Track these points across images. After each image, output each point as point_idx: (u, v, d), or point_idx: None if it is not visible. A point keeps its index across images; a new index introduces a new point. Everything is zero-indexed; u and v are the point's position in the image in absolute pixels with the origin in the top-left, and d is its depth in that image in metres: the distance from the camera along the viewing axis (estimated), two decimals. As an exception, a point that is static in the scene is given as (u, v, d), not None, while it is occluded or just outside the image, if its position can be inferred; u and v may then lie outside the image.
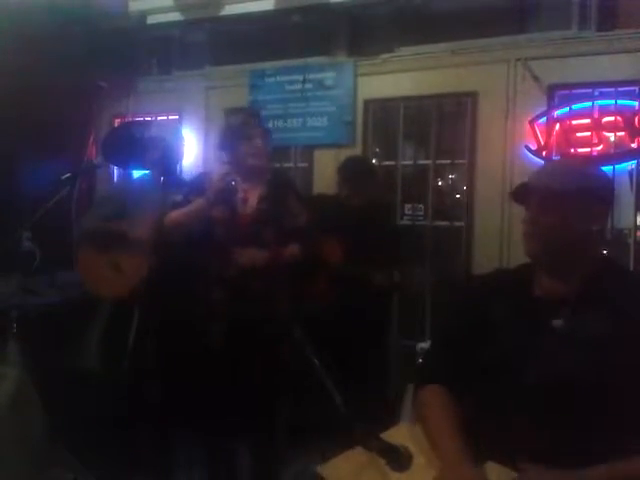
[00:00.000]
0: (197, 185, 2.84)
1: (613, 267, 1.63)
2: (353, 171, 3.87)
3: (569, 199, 1.54)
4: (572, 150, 4.10)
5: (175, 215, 2.73)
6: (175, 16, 5.12)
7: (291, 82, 5.02)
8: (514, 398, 1.49)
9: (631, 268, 3.92)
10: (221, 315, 2.64)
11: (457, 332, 1.72)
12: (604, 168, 3.86)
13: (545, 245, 1.58)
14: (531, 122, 4.20)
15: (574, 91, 4.16)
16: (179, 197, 2.81)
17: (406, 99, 4.73)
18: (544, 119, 4.18)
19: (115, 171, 5.68)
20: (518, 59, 4.28)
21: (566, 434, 1.41)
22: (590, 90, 4.08)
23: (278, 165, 5.11)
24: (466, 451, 1.49)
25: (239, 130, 2.83)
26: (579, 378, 1.44)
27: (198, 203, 2.72)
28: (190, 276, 2.73)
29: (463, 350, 1.64)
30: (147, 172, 3.50)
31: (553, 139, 4.15)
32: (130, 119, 5.52)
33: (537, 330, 1.55)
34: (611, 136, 4.01)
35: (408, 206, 4.76)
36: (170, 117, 5.49)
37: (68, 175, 2.93)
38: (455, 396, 1.64)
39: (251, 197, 2.77)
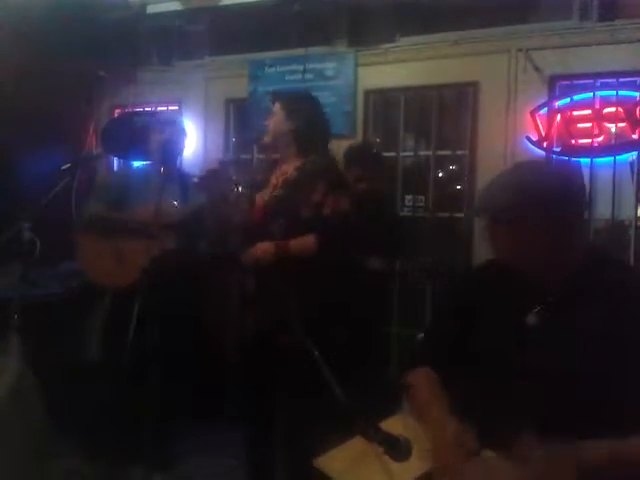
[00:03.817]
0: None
1: (600, 259, 1.60)
2: (358, 156, 3.86)
3: (511, 227, 1.53)
4: (573, 141, 4.09)
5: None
6: (175, 6, 5.10)
7: (291, 72, 5.00)
8: (498, 389, 1.50)
9: (632, 259, 3.93)
10: (222, 309, 2.64)
11: (447, 324, 1.73)
12: (603, 160, 3.96)
13: (505, 259, 1.60)
14: (532, 113, 4.19)
15: (575, 82, 4.15)
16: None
17: (407, 89, 4.72)
18: (545, 110, 4.17)
19: (115, 161, 5.68)
20: (519, 49, 4.27)
21: (547, 426, 1.42)
22: (591, 81, 4.08)
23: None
24: (446, 407, 1.54)
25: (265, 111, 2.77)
26: (561, 369, 1.45)
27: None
28: (197, 266, 2.71)
29: (452, 341, 1.66)
30: (147, 162, 3.49)
31: (554, 130, 4.14)
32: (130, 109, 5.51)
33: (519, 323, 1.56)
34: (612, 127, 4.01)
35: (408, 197, 4.76)
36: (170, 107, 5.48)
37: (68, 165, 2.92)
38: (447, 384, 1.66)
39: (271, 185, 2.69)
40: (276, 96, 2.79)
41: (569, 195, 1.55)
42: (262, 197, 2.67)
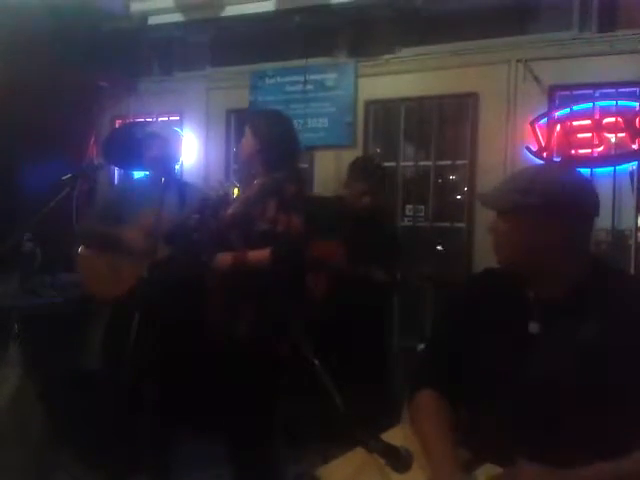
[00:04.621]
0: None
1: (601, 269, 1.59)
2: (363, 170, 3.86)
3: (517, 217, 1.53)
4: (573, 151, 4.10)
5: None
6: (176, 17, 5.13)
7: (292, 83, 5.02)
8: (500, 401, 1.49)
9: (632, 269, 3.93)
10: (218, 315, 2.64)
11: (447, 335, 1.72)
12: (603, 170, 3.96)
13: (506, 257, 1.59)
14: (532, 123, 4.20)
15: (575, 92, 4.16)
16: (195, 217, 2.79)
17: (407, 100, 4.73)
18: (545, 120, 4.18)
19: (116, 172, 5.69)
20: (519, 60, 4.28)
21: (550, 436, 1.41)
22: (591, 91, 4.09)
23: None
24: (455, 458, 1.49)
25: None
26: (559, 381, 1.44)
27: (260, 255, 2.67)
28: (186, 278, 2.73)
29: (454, 353, 1.64)
30: (147, 173, 3.51)
31: (554, 140, 4.15)
32: (131, 120, 5.53)
33: (518, 333, 1.55)
34: (612, 137, 4.01)
35: (409, 207, 4.76)
36: (171, 118, 5.50)
37: (69, 176, 2.93)
38: (448, 399, 1.64)
39: (240, 200, 2.76)
40: (247, 117, 2.87)
41: (581, 203, 1.54)
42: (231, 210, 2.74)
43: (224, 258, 2.61)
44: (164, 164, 3.31)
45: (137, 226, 3.11)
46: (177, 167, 3.66)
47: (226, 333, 2.60)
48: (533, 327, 1.54)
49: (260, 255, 2.59)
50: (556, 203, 1.50)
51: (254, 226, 2.63)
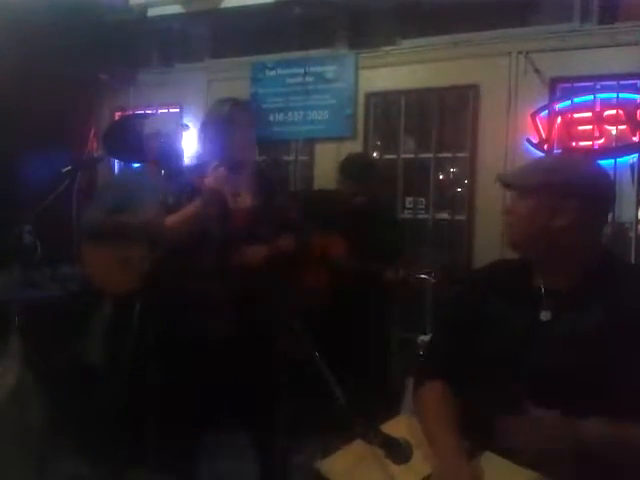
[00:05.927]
0: (189, 186, 2.75)
1: (611, 260, 1.60)
2: (354, 168, 3.86)
3: (539, 195, 1.54)
4: (573, 143, 4.09)
5: (171, 221, 2.68)
6: (176, 9, 5.11)
7: (292, 75, 5.01)
8: (509, 391, 1.49)
9: (633, 262, 3.93)
10: (221, 311, 2.64)
11: (456, 326, 1.72)
12: (604, 162, 3.95)
13: (521, 239, 1.60)
14: (533, 115, 4.19)
15: (576, 84, 4.15)
16: (171, 200, 2.73)
17: (407, 92, 4.72)
18: (546, 112, 4.17)
19: (116, 164, 5.68)
20: (520, 52, 4.27)
21: None
22: (592, 83, 4.08)
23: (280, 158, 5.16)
24: (462, 447, 1.49)
25: (227, 120, 2.72)
26: (567, 371, 1.44)
27: (192, 207, 2.65)
28: (188, 274, 2.71)
29: (462, 344, 1.64)
30: (147, 164, 3.50)
31: (555, 132, 4.14)
32: (131, 112, 5.52)
33: (529, 322, 1.55)
34: (613, 129, 4.01)
35: (409, 199, 4.76)
36: (171, 110, 5.48)
37: (69, 168, 2.92)
38: (454, 390, 1.64)
39: (242, 192, 2.71)
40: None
41: (600, 191, 1.56)
42: (235, 204, 2.69)
43: (257, 250, 2.62)
44: (166, 157, 3.30)
45: (144, 213, 3.10)
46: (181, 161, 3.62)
47: (227, 328, 2.61)
48: (544, 315, 1.55)
49: (286, 242, 2.68)
50: (578, 186, 1.52)
51: (275, 217, 2.68)
